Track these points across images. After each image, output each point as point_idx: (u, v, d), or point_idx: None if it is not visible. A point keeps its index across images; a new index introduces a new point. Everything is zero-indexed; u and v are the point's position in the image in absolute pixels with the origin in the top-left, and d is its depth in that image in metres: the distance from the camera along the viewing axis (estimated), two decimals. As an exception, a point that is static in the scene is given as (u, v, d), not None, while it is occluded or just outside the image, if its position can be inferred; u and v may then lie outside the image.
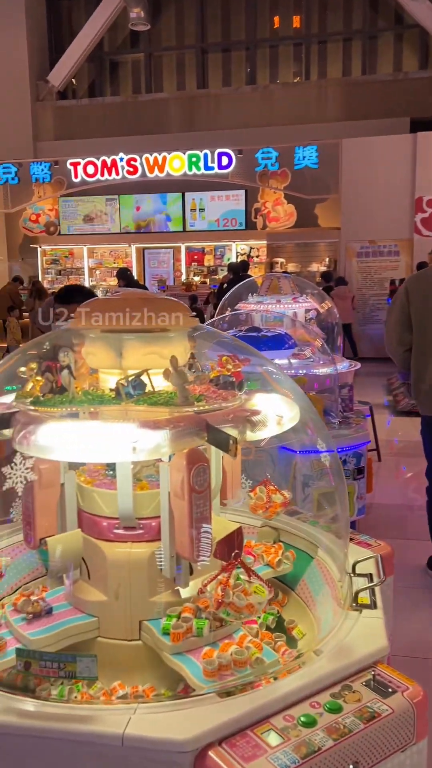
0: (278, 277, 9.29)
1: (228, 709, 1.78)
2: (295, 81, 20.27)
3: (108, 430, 2.04)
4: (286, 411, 2.32)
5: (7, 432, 2.24)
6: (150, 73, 20.91)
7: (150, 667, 2.29)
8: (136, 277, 16.19)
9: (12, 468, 1.95)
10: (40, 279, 18.98)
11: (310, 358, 5.89)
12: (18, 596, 2.40)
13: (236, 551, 2.23)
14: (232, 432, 2.14)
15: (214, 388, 2.36)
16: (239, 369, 2.40)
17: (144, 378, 2.25)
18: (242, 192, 18.19)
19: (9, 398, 2.38)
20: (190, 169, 17.13)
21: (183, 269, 19.73)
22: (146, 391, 2.24)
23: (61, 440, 1.99)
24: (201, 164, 17.10)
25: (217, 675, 2.01)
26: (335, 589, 2.51)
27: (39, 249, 19.84)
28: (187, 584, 2.33)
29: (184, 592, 2.35)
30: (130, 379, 2.25)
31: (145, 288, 11.94)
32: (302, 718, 1.79)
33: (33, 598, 2.37)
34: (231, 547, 2.20)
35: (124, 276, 13.71)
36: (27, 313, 15.68)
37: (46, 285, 18.48)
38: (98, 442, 1.99)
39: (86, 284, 19.60)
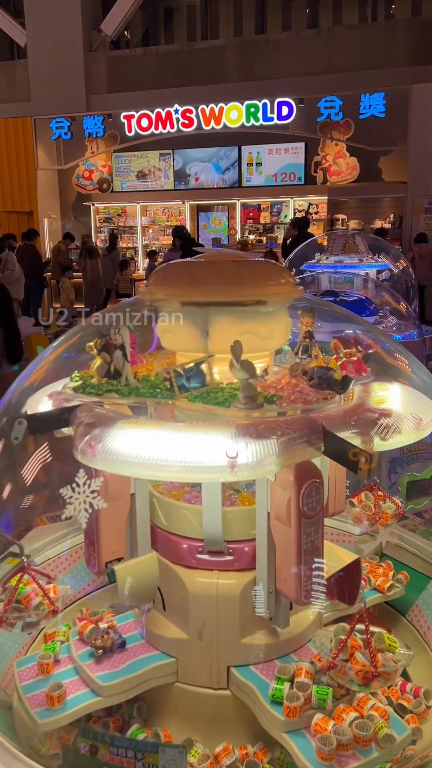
0: (349, 235, 8.57)
1: None
2: (361, 23, 18.89)
3: (194, 439, 1.55)
4: (426, 409, 1.77)
5: (67, 430, 1.79)
6: (206, 20, 19.85)
7: (238, 720, 1.84)
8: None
9: (73, 490, 1.48)
10: (93, 238, 18.57)
11: (394, 325, 5.26)
12: (84, 622, 1.98)
13: (356, 591, 1.73)
14: (355, 441, 1.62)
15: (305, 385, 1.81)
16: (356, 357, 1.85)
17: (204, 366, 1.75)
18: (302, 144, 17.18)
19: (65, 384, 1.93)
20: (248, 120, 16.21)
21: (238, 227, 18.98)
22: (206, 383, 1.74)
23: (133, 453, 1.51)
24: (260, 115, 16.15)
25: (335, 758, 1.54)
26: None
27: (92, 207, 19.37)
28: (287, 624, 1.86)
29: (283, 632, 1.88)
30: (187, 367, 1.75)
31: (202, 246, 11.33)
32: None
33: (102, 625, 1.94)
34: (351, 585, 1.70)
35: (180, 234, 13.11)
36: (78, 273, 15.33)
37: (99, 244, 18.07)
38: (183, 456, 1.50)
39: (139, 244, 19.12)
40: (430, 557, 2.40)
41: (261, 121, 16.58)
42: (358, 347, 1.81)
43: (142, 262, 19.44)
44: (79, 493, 1.48)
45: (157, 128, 16.93)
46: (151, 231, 20.62)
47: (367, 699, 1.69)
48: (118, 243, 16.26)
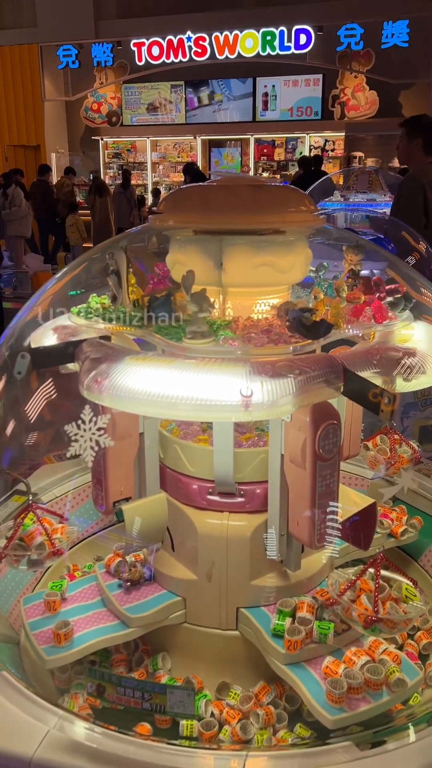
0: (365, 172, 8.25)
1: (375, 774, 1.29)
2: None
3: (207, 376, 1.46)
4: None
5: (73, 366, 1.70)
6: None
7: (248, 662, 1.83)
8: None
9: (79, 428, 1.41)
10: (101, 174, 18.07)
11: (412, 267, 5.07)
12: (112, 555, 1.95)
13: (371, 535, 1.67)
14: (377, 381, 1.53)
15: (279, 326, 1.66)
16: (362, 300, 1.73)
17: (174, 297, 1.65)
18: (320, 77, 16.41)
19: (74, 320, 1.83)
20: (263, 49, 15.43)
21: (251, 164, 18.39)
22: (172, 315, 1.64)
23: (142, 390, 1.43)
24: (276, 43, 15.37)
25: (344, 701, 1.51)
26: None
27: (100, 141, 18.78)
28: (299, 567, 1.82)
29: (294, 575, 1.84)
30: (157, 296, 1.64)
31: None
32: None
33: (129, 559, 1.91)
34: (366, 529, 1.64)
35: (191, 171, 12.71)
36: (86, 211, 14.97)
37: (107, 181, 17.61)
38: (194, 393, 1.41)
39: (149, 181, 18.61)
40: (445, 502, 2.34)
41: (277, 50, 15.80)
42: (380, 290, 1.68)
43: (151, 200, 18.96)
44: (84, 430, 1.41)
45: (168, 57, 16.19)
46: (161, 167, 20.03)
47: (378, 643, 1.66)
48: (107, 189, 15.75)
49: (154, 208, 1.71)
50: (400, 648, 1.84)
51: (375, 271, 1.93)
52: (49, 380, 1.79)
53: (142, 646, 1.89)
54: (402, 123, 4.94)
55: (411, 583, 1.62)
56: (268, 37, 15.95)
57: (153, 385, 1.46)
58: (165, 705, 1.31)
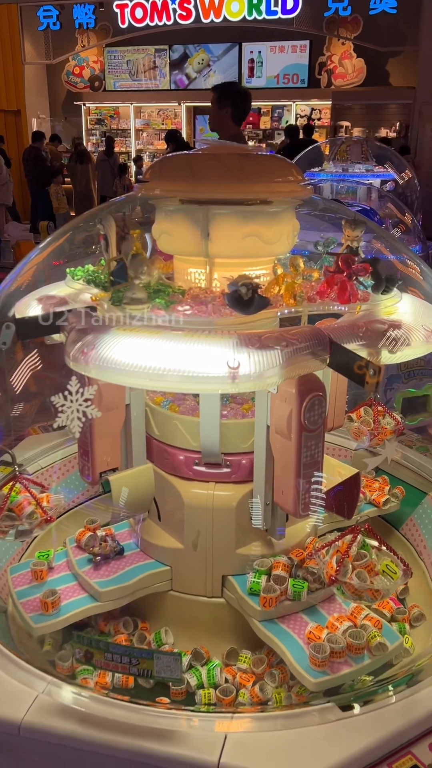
0: (351, 142, 8.17)
1: (355, 733, 1.33)
2: None
3: (194, 348, 1.46)
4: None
5: (58, 337, 1.69)
6: None
7: (233, 629, 1.87)
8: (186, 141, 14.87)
9: (66, 399, 1.40)
10: (84, 141, 17.71)
11: (398, 239, 5.07)
12: (82, 530, 1.96)
13: (354, 505, 1.70)
14: (362, 353, 1.54)
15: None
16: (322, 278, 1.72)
17: (130, 262, 1.65)
18: (306, 43, 16.12)
19: (62, 289, 1.82)
20: (249, 13, 15.10)
21: (237, 133, 18.07)
22: (128, 281, 1.65)
23: (129, 361, 1.42)
24: (263, 7, 15.04)
25: (327, 664, 1.55)
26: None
27: (83, 107, 18.36)
28: (283, 537, 1.85)
29: (278, 543, 1.87)
30: (117, 258, 1.65)
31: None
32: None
33: (100, 533, 1.93)
34: (350, 499, 1.67)
35: (174, 139, 12.48)
36: (68, 179, 14.68)
37: (90, 148, 17.26)
38: (181, 365, 1.42)
39: (132, 148, 18.28)
40: (427, 473, 2.38)
41: (264, 15, 15.49)
42: (347, 269, 1.64)
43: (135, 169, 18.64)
44: (71, 401, 1.41)
45: (152, 20, 15.79)
46: (145, 135, 19.65)
47: (360, 609, 1.70)
48: (89, 157, 15.45)
49: (140, 177, 1.68)
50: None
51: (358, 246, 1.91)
52: (34, 351, 1.78)
53: (141, 624, 1.90)
54: (212, 88, 4.58)
55: (397, 562, 1.64)
56: (255, 1, 15.59)
57: (140, 357, 1.46)
58: (152, 670, 1.34)
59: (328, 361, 1.51)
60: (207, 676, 1.75)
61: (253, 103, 16.61)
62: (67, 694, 1.42)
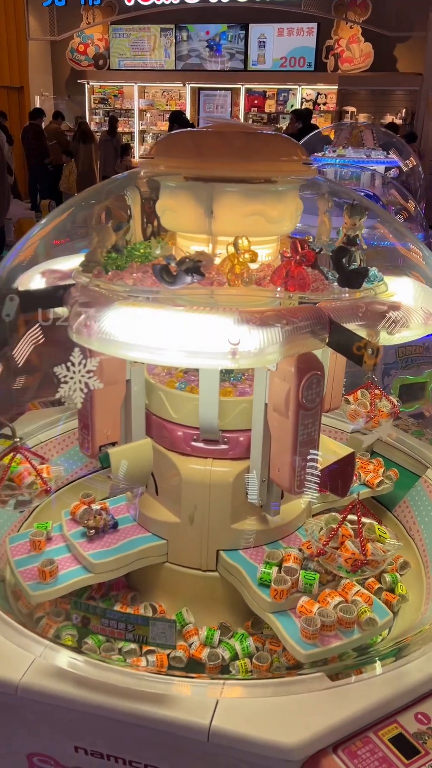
0: (358, 128, 8.13)
1: (343, 701, 1.37)
2: None
3: (195, 323, 1.48)
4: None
5: (61, 311, 1.71)
6: None
7: (225, 601, 1.90)
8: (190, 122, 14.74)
9: (69, 370, 1.42)
10: (87, 120, 17.55)
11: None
12: (77, 503, 1.99)
13: (349, 484, 1.73)
14: (361, 333, 1.56)
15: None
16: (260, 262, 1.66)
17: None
18: (314, 26, 15.95)
19: (66, 263, 1.83)
20: (258, -7, 14.96)
21: (241, 115, 17.96)
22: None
23: (131, 335, 1.45)
24: (271, -12, 14.90)
25: (318, 637, 1.59)
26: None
27: (87, 85, 18.17)
28: (278, 513, 1.88)
29: (273, 520, 1.91)
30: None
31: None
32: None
33: (95, 507, 1.96)
34: (344, 478, 1.70)
35: (178, 119, 12.38)
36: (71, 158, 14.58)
37: (93, 127, 17.11)
38: (183, 340, 1.44)
39: (136, 129, 18.12)
40: (421, 456, 2.41)
41: (273, -5, 15.31)
42: (295, 253, 1.58)
43: (139, 149, 18.47)
44: (74, 372, 1.43)
45: (159, -2, 15.64)
46: (148, 115, 19.48)
47: (351, 585, 1.74)
48: (92, 136, 15.32)
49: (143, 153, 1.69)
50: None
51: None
52: (37, 324, 1.80)
53: (159, 608, 1.91)
54: None
55: (378, 523, 1.68)
56: (264, -19, 15.41)
57: (142, 331, 1.48)
58: (147, 636, 1.38)
59: (327, 340, 1.53)
60: (242, 647, 1.78)
61: (258, 86, 16.56)
62: (63, 657, 1.46)
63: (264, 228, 1.69)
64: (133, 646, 1.62)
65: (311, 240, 1.85)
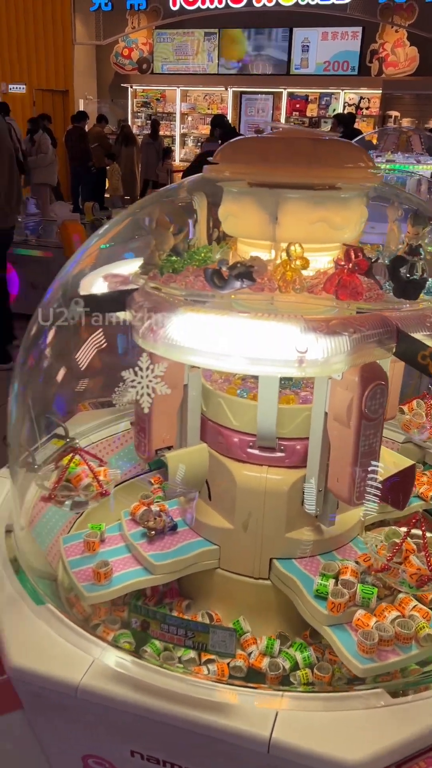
0: (405, 132, 8.04)
1: (406, 719, 1.34)
2: None
3: (261, 330, 1.47)
4: None
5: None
6: None
7: (277, 610, 1.89)
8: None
9: (136, 374, 1.43)
10: (129, 123, 17.73)
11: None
12: (137, 503, 2.00)
13: (408, 496, 1.70)
14: (429, 343, 1.53)
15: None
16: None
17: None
18: (359, 30, 15.82)
19: (127, 267, 1.84)
20: (303, -3, 14.92)
21: (282, 119, 17.91)
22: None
23: (197, 341, 1.45)
24: (317, -8, 14.84)
25: (375, 652, 1.56)
26: None
27: (130, 89, 18.37)
28: (334, 524, 1.86)
29: (327, 530, 1.88)
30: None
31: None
32: None
33: (154, 508, 1.96)
34: (405, 490, 1.67)
35: (221, 124, 12.38)
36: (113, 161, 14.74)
37: (135, 131, 17.28)
38: (249, 347, 1.43)
39: (177, 132, 18.23)
40: None
41: (317, 0, 15.25)
42: (347, 262, 1.56)
43: (179, 152, 18.57)
44: (141, 377, 1.43)
45: (204, 2, 15.71)
46: (190, 119, 19.59)
47: (408, 600, 1.71)
48: (134, 139, 15.48)
49: (210, 159, 1.70)
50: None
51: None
52: (98, 328, 1.82)
53: (215, 615, 1.89)
54: None
55: None
56: (309, -15, 15.37)
57: (207, 337, 1.48)
58: (207, 643, 1.37)
59: (394, 350, 1.51)
60: (302, 657, 1.76)
61: (301, 90, 16.44)
62: (121, 660, 1.46)
63: (328, 235, 1.68)
64: (192, 655, 1.61)
65: (380, 248, 1.82)
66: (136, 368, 1.42)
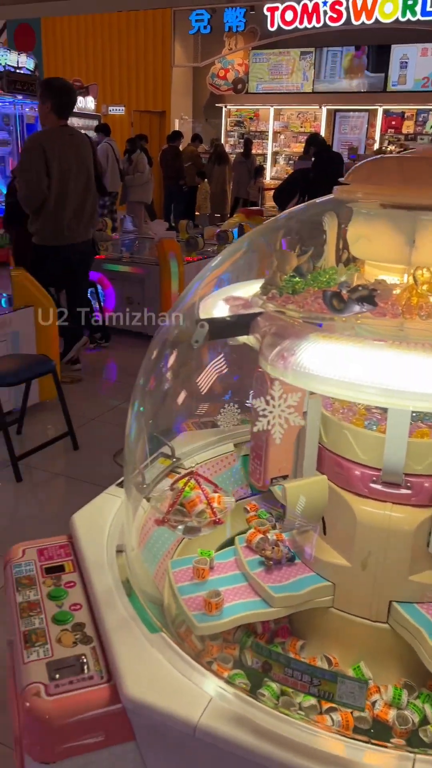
0: None
1: None
2: None
3: (397, 360, 1.39)
4: None
5: (246, 339, 1.68)
6: None
7: (398, 656, 1.77)
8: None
9: (268, 404, 1.38)
10: (222, 142, 18.00)
11: None
12: (253, 530, 1.95)
13: None
14: None
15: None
16: None
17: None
18: (460, 45, 15.45)
19: (247, 290, 1.80)
20: (404, 14, 14.64)
21: (377, 136, 17.66)
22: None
23: (329, 369, 1.38)
24: (418, 8, 14.55)
25: None
26: None
27: (224, 109, 18.68)
28: (462, 568, 1.73)
29: (453, 575, 1.75)
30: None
31: (341, 157, 10.56)
32: None
33: (271, 536, 1.90)
34: None
35: (315, 142, 12.32)
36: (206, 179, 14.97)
37: (227, 150, 17.53)
38: (385, 378, 1.35)
39: (269, 150, 18.34)
40: None
41: (419, 16, 15.00)
42: None
43: (271, 170, 18.64)
44: (273, 407, 1.38)
45: (302, 22, 15.79)
46: (282, 137, 19.68)
47: None
48: (227, 158, 15.68)
49: (341, 179, 1.63)
50: None
51: None
52: (219, 351, 1.78)
53: (333, 660, 1.78)
54: (39, 83, 5.88)
55: None
56: (410, 2, 15.16)
57: (339, 365, 1.41)
58: (334, 693, 1.28)
59: None
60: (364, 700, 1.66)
61: (397, 107, 16.12)
62: (240, 701, 1.40)
63: (470, 260, 1.57)
64: (313, 702, 1.53)
65: None
66: (268, 398, 1.37)
